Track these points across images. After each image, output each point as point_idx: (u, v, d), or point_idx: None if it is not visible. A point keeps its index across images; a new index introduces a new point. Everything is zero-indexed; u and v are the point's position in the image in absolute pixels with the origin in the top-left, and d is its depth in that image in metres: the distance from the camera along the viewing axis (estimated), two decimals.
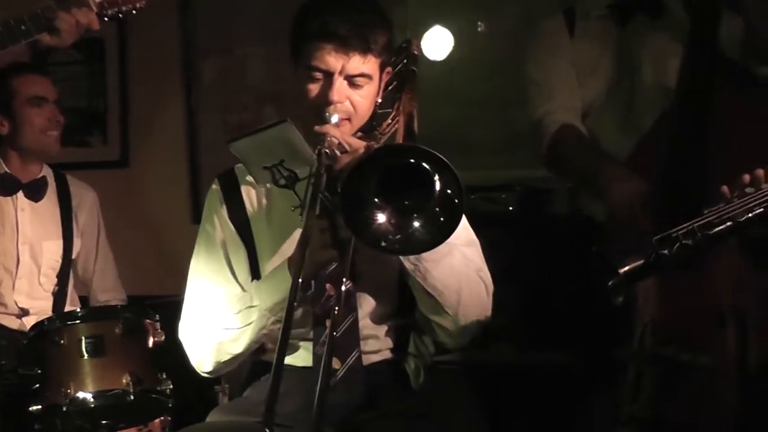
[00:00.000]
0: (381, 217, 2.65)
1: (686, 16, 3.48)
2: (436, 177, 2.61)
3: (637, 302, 3.27)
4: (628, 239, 3.29)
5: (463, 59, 4.94)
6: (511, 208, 4.20)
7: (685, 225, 2.68)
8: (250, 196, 3.05)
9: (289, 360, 2.90)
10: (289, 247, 2.87)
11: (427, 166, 2.60)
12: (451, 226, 2.63)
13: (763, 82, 3.47)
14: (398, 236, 2.65)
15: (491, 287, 2.98)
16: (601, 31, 3.67)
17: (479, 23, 5.05)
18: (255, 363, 3.03)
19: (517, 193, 4.15)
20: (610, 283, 2.65)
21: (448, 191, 2.61)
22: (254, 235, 3.01)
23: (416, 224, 2.65)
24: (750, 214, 2.66)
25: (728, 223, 2.67)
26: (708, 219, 2.68)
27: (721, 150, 3.25)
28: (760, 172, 2.70)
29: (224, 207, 3.04)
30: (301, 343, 2.93)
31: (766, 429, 2.73)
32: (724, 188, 2.79)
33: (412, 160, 2.60)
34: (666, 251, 2.65)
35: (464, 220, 2.91)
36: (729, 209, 2.68)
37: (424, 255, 2.81)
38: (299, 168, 2.84)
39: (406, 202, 2.65)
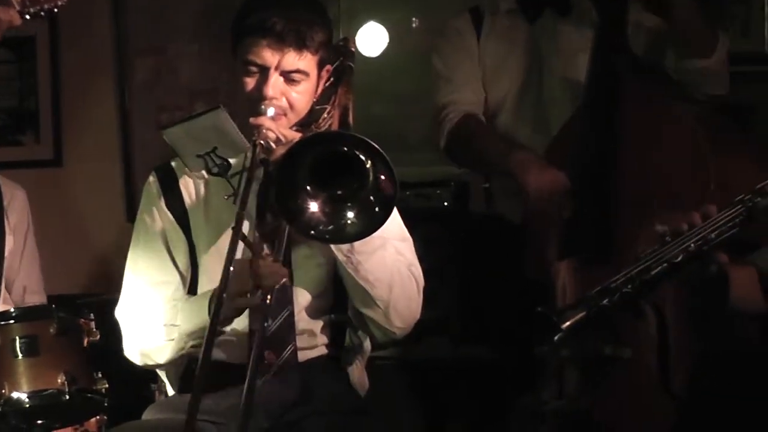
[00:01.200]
0: (314, 206, 2.67)
1: (594, 12, 3.51)
2: (369, 165, 2.63)
3: (556, 297, 3.32)
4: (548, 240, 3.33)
5: (397, 55, 4.95)
6: (446, 204, 4.22)
7: (622, 273, 2.69)
8: (188, 188, 3.04)
9: (224, 356, 2.91)
10: (225, 241, 2.85)
11: (360, 155, 2.62)
12: (384, 215, 2.65)
13: (681, 78, 3.51)
14: (331, 225, 2.67)
15: (422, 283, 3.00)
16: (509, 28, 3.71)
17: (414, 19, 5.06)
18: (191, 360, 3.03)
19: (451, 189, 4.17)
20: (555, 339, 2.66)
21: (382, 180, 2.63)
22: (192, 227, 3.01)
23: (349, 213, 2.67)
24: (685, 254, 2.65)
25: (664, 265, 2.66)
26: (645, 264, 2.68)
27: (630, 147, 3.28)
28: (696, 215, 2.70)
29: (162, 198, 3.03)
30: (237, 339, 2.91)
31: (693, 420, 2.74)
32: (659, 228, 2.78)
33: (345, 148, 2.62)
34: (607, 302, 2.66)
35: (397, 216, 2.93)
36: (664, 251, 2.67)
37: (357, 247, 2.83)
38: (232, 156, 2.86)
39: (339, 191, 2.67)
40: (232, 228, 2.63)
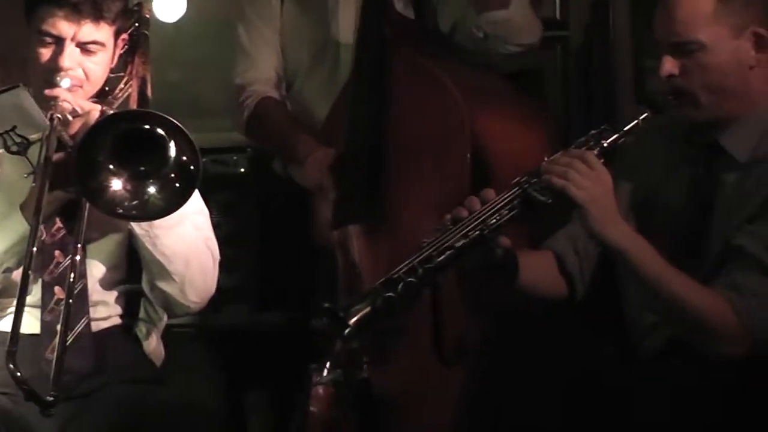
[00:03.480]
0: (116, 183, 2.65)
1: None
2: (172, 143, 2.62)
3: (339, 266, 3.34)
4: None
5: (193, 21, 4.89)
6: (242, 170, 4.20)
7: (404, 264, 2.67)
8: None
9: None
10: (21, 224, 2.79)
11: (162, 132, 2.61)
12: (187, 192, 2.66)
13: (488, 32, 3.53)
14: (134, 202, 2.66)
15: (218, 257, 3.00)
16: None
17: None
18: None
19: (248, 155, 4.16)
20: (345, 334, 2.67)
21: (184, 157, 2.63)
22: None
23: (152, 190, 2.66)
24: (466, 240, 2.67)
25: (447, 252, 2.67)
26: (427, 252, 2.67)
27: (398, 113, 3.32)
28: (475, 200, 2.72)
29: None
30: (28, 310, 2.79)
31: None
32: (447, 217, 2.78)
33: (146, 126, 2.60)
34: (392, 293, 2.65)
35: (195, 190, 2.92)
36: (446, 238, 2.67)
37: (155, 222, 2.80)
38: (32, 134, 2.79)
39: (142, 168, 2.65)
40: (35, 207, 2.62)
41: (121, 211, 2.66)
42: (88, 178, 2.62)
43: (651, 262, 2.65)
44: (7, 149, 2.78)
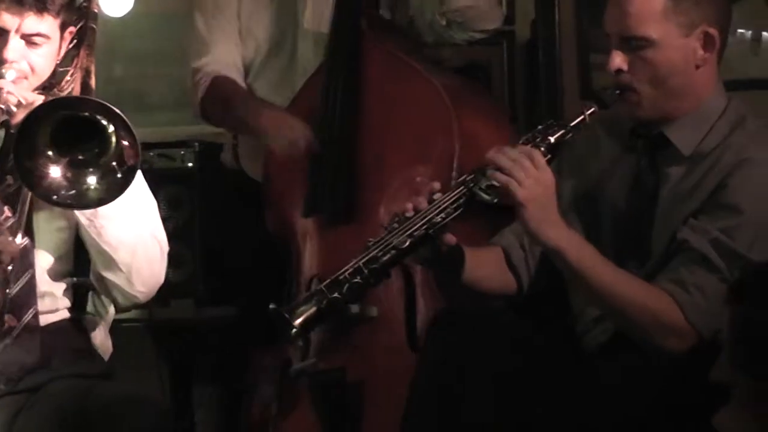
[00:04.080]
0: (55, 171, 2.66)
1: None
2: (112, 131, 2.62)
3: (298, 260, 3.33)
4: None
5: (139, 15, 4.87)
6: (190, 165, 4.20)
7: (350, 265, 2.70)
8: None
9: None
10: None
11: (102, 119, 2.61)
12: (126, 181, 2.66)
13: (451, 19, 3.55)
14: (73, 190, 2.66)
15: (166, 247, 2.99)
16: None
17: None
18: None
19: (195, 149, 4.14)
20: (291, 334, 2.68)
21: (124, 145, 2.63)
22: None
23: (91, 178, 2.67)
24: (412, 239, 2.68)
25: (392, 252, 2.69)
26: (372, 253, 2.69)
27: (373, 106, 3.34)
28: (422, 200, 2.73)
29: None
30: None
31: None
32: (393, 215, 2.81)
33: (86, 113, 2.61)
34: (337, 294, 2.68)
35: (141, 178, 2.90)
36: (391, 237, 2.69)
37: (101, 211, 2.79)
38: None
39: (81, 156, 2.66)
40: None
41: (58, 198, 2.67)
42: (27, 164, 2.62)
43: (589, 260, 2.67)
44: None
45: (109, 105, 2.60)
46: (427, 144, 3.30)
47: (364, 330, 3.14)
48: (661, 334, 2.67)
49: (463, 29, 3.55)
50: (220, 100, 3.57)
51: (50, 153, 2.64)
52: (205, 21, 3.70)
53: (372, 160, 3.31)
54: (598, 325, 2.85)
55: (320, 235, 3.32)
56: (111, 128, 2.62)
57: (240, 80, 3.68)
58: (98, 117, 2.61)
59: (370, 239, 2.74)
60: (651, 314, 2.66)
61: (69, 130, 2.63)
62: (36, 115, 2.61)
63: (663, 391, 2.66)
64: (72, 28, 2.94)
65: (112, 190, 2.67)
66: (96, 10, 3.07)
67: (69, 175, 2.66)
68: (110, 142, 2.64)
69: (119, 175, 2.65)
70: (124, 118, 2.61)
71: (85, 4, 3.05)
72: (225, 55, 3.66)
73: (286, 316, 2.67)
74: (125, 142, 2.63)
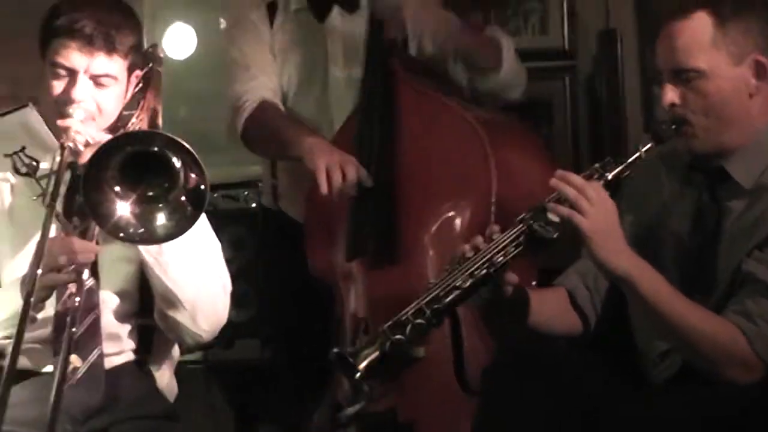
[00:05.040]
0: (123, 207, 2.67)
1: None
2: (180, 165, 2.64)
3: (342, 302, 3.31)
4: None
5: (203, 56, 4.92)
6: (253, 205, 4.21)
7: (412, 305, 2.68)
8: None
9: (30, 364, 2.86)
10: (32, 248, 2.79)
11: (170, 154, 2.63)
12: (195, 214, 2.67)
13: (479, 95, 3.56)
14: (142, 228, 2.68)
15: (229, 286, 3.01)
16: (299, 23, 3.68)
17: (221, 20, 5.03)
18: None
19: (258, 190, 4.15)
20: (355, 377, 2.67)
21: (192, 178, 2.65)
22: None
23: (160, 213, 2.68)
24: (473, 279, 2.67)
25: (454, 292, 2.67)
26: (434, 293, 2.68)
27: (410, 146, 3.32)
28: (479, 238, 2.72)
29: None
30: (41, 346, 2.86)
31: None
32: (453, 256, 2.80)
33: (155, 148, 2.62)
34: (400, 336, 2.66)
35: (204, 218, 2.92)
36: (452, 278, 2.68)
37: (166, 249, 2.82)
38: (41, 155, 2.80)
39: (150, 192, 2.68)
40: (42, 227, 2.61)
41: (126, 235, 2.68)
42: (96, 201, 2.64)
43: (659, 289, 2.64)
44: (17, 170, 2.79)
45: (177, 138, 2.62)
46: (466, 179, 3.27)
47: (413, 370, 3.11)
48: (728, 366, 2.64)
49: (490, 99, 3.56)
50: (267, 123, 3.51)
51: (118, 189, 2.66)
52: (241, 51, 3.68)
53: (411, 200, 3.28)
54: (665, 360, 2.82)
55: (363, 276, 3.28)
56: (179, 162, 2.64)
57: (282, 108, 3.66)
58: (167, 151, 2.63)
59: (432, 280, 2.73)
60: (718, 345, 2.63)
61: (136, 166, 2.64)
62: (105, 150, 2.63)
63: (731, 423, 2.62)
64: (138, 72, 2.98)
65: (182, 223, 2.68)
66: (162, 55, 3.11)
67: (137, 211, 2.67)
68: (179, 176, 2.65)
69: (189, 208, 2.67)
70: (192, 150, 2.62)
71: (150, 49, 3.10)
72: (268, 82, 3.65)
73: (350, 359, 2.66)
74: (193, 175, 2.64)
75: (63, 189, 2.78)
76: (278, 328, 3.82)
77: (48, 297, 2.74)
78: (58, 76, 2.86)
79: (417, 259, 3.21)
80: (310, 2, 3.68)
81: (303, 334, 3.55)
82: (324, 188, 3.22)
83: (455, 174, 3.29)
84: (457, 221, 3.23)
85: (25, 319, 2.54)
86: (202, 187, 2.64)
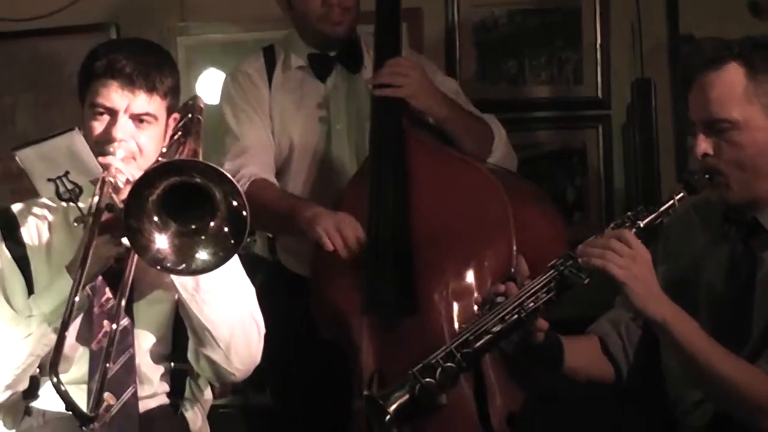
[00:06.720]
0: (162, 239, 2.66)
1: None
2: (220, 194, 2.64)
3: (356, 354, 3.29)
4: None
5: None
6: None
7: (441, 349, 2.70)
8: (30, 233, 2.98)
9: (63, 407, 2.85)
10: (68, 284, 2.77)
11: (209, 182, 2.62)
12: (237, 243, 2.66)
13: None
14: (183, 263, 2.67)
15: (263, 327, 3.01)
16: (300, 83, 3.70)
17: None
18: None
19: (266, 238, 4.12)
20: (386, 420, 2.67)
21: (233, 206, 2.64)
22: (33, 270, 2.94)
23: (201, 244, 2.67)
24: (503, 323, 2.68)
25: (485, 337, 2.69)
26: (464, 337, 2.69)
27: (423, 199, 3.31)
28: (512, 285, 2.74)
29: (2, 241, 2.96)
30: (76, 387, 2.84)
31: None
32: (477, 298, 2.85)
33: (196, 178, 2.61)
34: (430, 379, 2.67)
35: (238, 261, 2.93)
36: (483, 322, 2.70)
37: (203, 286, 2.83)
38: (84, 181, 2.82)
39: (191, 223, 2.67)
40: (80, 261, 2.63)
41: (169, 264, 2.67)
42: (137, 230, 2.63)
43: (695, 336, 2.64)
44: (59, 196, 2.82)
45: (217, 167, 2.62)
46: (480, 228, 3.27)
47: (437, 419, 3.09)
48: (762, 414, 2.63)
49: None
50: (261, 202, 3.36)
51: (157, 220, 2.65)
52: (235, 116, 3.67)
53: (426, 253, 3.26)
54: (699, 408, 2.81)
55: (379, 329, 3.27)
56: (219, 192, 2.64)
57: (275, 181, 3.64)
58: (207, 180, 2.62)
59: (464, 324, 2.72)
60: (752, 393, 2.62)
61: (178, 196, 2.64)
62: (145, 181, 2.62)
63: None
64: (176, 114, 3.01)
65: (223, 253, 2.67)
66: (202, 105, 3.14)
67: (177, 242, 2.67)
68: (219, 206, 2.65)
69: (230, 239, 2.66)
70: (233, 179, 2.62)
71: (191, 101, 3.13)
72: (261, 156, 3.63)
73: (381, 402, 2.66)
74: (235, 203, 2.64)
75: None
76: (283, 378, 3.77)
77: (100, 272, 2.79)
78: (98, 117, 2.88)
79: (430, 312, 3.19)
80: (312, 62, 3.69)
81: (310, 384, 3.56)
82: (329, 249, 3.24)
83: (472, 224, 3.28)
84: (475, 271, 3.22)
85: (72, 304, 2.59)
86: (243, 215, 2.63)
